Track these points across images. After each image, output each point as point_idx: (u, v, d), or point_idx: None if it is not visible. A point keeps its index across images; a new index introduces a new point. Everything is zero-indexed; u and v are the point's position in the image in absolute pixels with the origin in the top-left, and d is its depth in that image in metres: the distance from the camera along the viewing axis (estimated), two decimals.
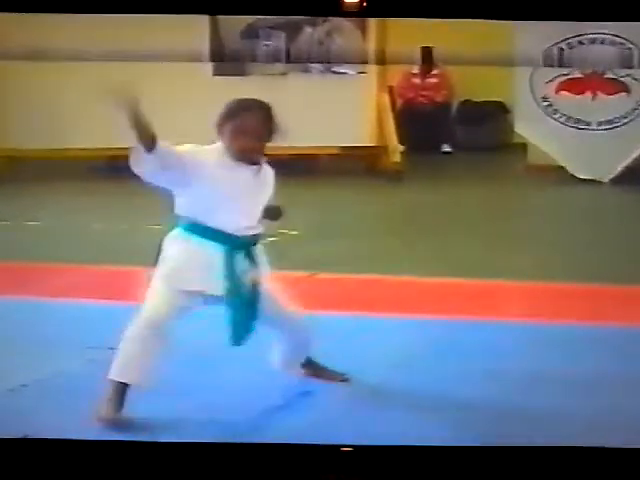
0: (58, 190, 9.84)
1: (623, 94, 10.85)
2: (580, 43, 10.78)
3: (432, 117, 13.00)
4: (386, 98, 11.33)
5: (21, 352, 4.65)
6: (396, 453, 3.63)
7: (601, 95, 10.90)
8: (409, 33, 10.45)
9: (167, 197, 4.01)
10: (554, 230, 8.30)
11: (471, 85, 12.97)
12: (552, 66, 10.80)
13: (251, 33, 10.86)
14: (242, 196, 3.98)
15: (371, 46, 10.97)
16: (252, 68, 10.99)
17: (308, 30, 10.89)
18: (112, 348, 4.01)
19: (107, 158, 10.44)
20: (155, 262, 4.01)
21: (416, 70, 13.18)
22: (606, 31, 10.62)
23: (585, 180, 10.66)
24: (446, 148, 13.03)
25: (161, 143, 3.79)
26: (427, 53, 12.92)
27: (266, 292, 4.09)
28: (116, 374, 3.92)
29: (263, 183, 4.07)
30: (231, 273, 3.95)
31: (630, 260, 6.91)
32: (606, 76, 10.87)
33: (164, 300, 3.94)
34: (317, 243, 7.55)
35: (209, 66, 10.83)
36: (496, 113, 13.09)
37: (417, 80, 13.25)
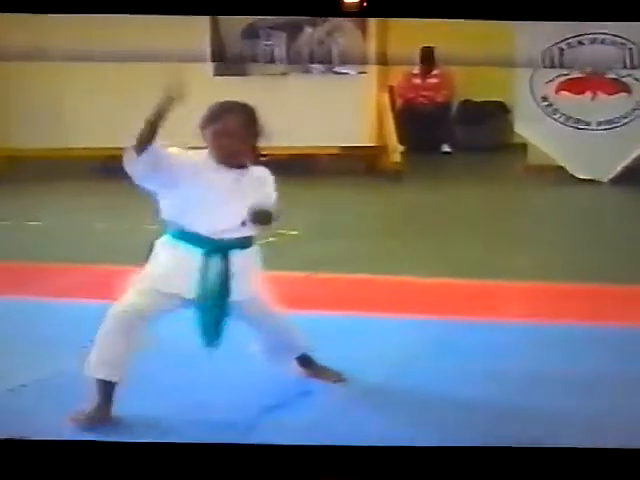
0: (59, 190, 9.85)
1: (623, 94, 10.85)
2: (580, 43, 10.78)
3: (432, 117, 13.00)
4: (386, 98, 11.33)
5: (21, 352, 4.65)
6: (395, 453, 3.63)
7: (601, 95, 10.90)
8: (410, 33, 10.47)
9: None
10: (554, 230, 8.30)
11: (471, 85, 12.97)
12: (553, 67, 10.80)
13: (252, 33, 10.86)
14: (220, 199, 3.97)
15: (372, 46, 10.97)
16: (253, 68, 10.99)
17: (308, 30, 10.89)
18: None
19: (108, 158, 10.43)
20: (146, 261, 4.05)
21: (416, 70, 13.18)
22: (606, 31, 10.62)
23: (585, 180, 10.66)
24: (446, 148, 13.03)
25: (155, 145, 3.81)
26: (428, 53, 12.92)
27: (248, 294, 4.10)
28: (91, 370, 3.94)
29: (248, 186, 4.04)
30: (203, 276, 3.96)
31: (630, 260, 6.91)
32: (606, 76, 10.86)
33: (142, 298, 3.96)
34: (317, 243, 7.55)
35: (210, 66, 10.83)
36: (496, 113, 13.09)
37: (417, 80, 13.25)
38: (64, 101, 10.59)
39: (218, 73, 10.87)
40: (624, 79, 10.83)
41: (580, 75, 10.96)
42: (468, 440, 3.79)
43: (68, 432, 3.82)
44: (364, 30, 10.91)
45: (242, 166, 4.05)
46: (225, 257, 4.00)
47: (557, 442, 3.74)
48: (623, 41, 10.65)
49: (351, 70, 11.14)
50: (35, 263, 6.59)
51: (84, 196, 9.53)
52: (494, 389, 4.35)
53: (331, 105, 10.78)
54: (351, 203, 9.66)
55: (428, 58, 12.98)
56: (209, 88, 9.90)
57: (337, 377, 4.41)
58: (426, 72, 13.17)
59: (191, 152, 4.00)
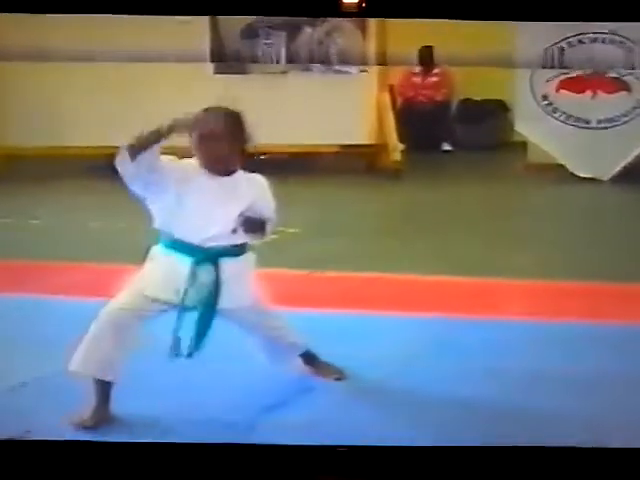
0: (57, 189, 9.84)
1: (623, 92, 10.84)
2: (580, 42, 10.77)
3: (432, 116, 13.00)
4: (386, 97, 11.32)
5: (19, 350, 4.65)
6: (394, 453, 3.63)
7: (601, 93, 10.90)
8: (409, 34, 10.45)
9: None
10: (554, 228, 8.29)
11: (471, 84, 12.96)
12: (553, 67, 10.79)
13: (251, 32, 10.86)
14: (209, 206, 3.96)
15: (371, 46, 10.96)
16: (253, 66, 10.99)
17: (308, 30, 10.88)
18: None
19: (106, 157, 10.41)
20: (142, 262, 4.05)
21: (416, 69, 13.18)
22: (607, 30, 10.61)
23: (585, 179, 10.66)
24: (446, 146, 13.03)
25: (149, 150, 3.81)
26: (428, 52, 12.91)
27: (242, 302, 4.08)
28: (77, 366, 3.95)
29: (238, 192, 4.02)
30: (192, 285, 3.96)
31: (630, 258, 6.91)
32: (606, 75, 10.86)
33: (133, 300, 3.97)
34: (317, 241, 7.55)
35: (210, 64, 10.83)
36: (496, 112, 13.09)
37: (417, 79, 13.25)
38: (62, 100, 10.58)
39: (218, 71, 10.86)
40: (624, 78, 10.83)
41: (580, 74, 10.95)
42: (468, 440, 3.78)
43: (68, 431, 3.82)
44: (364, 30, 10.91)
45: (231, 172, 4.04)
46: (216, 265, 3.99)
47: (557, 441, 3.74)
48: (623, 40, 10.64)
49: (351, 68, 11.14)
50: (33, 261, 6.59)
51: (82, 195, 9.53)
52: (495, 387, 4.34)
53: (331, 103, 10.77)
54: (351, 201, 9.66)
55: (428, 57, 12.96)
56: (209, 86, 9.97)
57: (339, 374, 4.42)
58: (426, 71, 13.17)
59: (184, 160, 3.99)
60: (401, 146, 11.05)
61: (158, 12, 4.75)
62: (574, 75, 10.96)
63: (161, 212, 3.99)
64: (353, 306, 5.54)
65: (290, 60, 10.94)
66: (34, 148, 10.52)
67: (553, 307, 5.60)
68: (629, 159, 10.77)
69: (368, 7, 4.34)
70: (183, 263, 3.97)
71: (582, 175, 10.73)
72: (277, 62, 10.93)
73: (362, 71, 11.10)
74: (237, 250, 4.06)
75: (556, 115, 11.03)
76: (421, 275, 6.37)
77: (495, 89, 12.62)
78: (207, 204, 3.96)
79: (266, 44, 10.88)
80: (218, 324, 4.05)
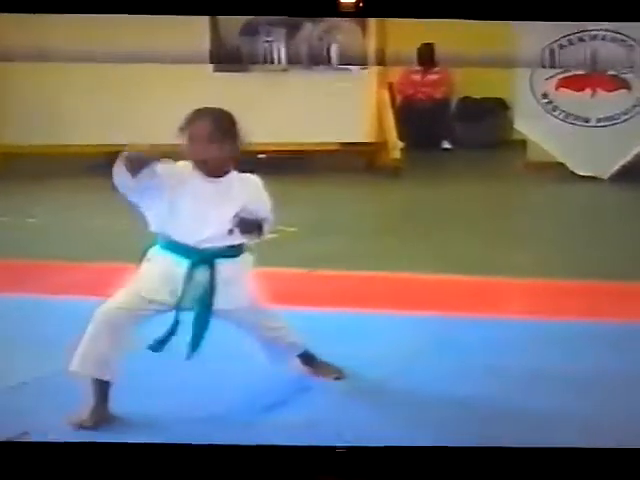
0: (55, 187, 9.83)
1: (623, 90, 10.83)
2: (581, 40, 10.76)
3: (431, 114, 12.99)
4: (386, 94, 11.32)
5: (18, 350, 4.64)
6: (394, 453, 3.63)
7: (601, 92, 10.89)
8: (409, 32, 10.44)
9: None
10: (554, 227, 8.29)
11: (471, 82, 12.96)
12: (553, 64, 10.78)
13: (251, 30, 10.85)
14: (203, 208, 3.95)
15: (371, 44, 10.95)
16: (253, 64, 10.98)
17: (308, 27, 10.87)
18: None
19: (105, 155, 10.41)
20: (139, 264, 4.05)
21: (416, 67, 13.17)
22: (607, 28, 10.60)
23: (585, 177, 10.65)
24: (446, 145, 13.02)
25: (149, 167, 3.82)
26: (428, 50, 12.90)
27: (239, 303, 4.08)
28: (76, 366, 3.95)
29: (230, 194, 4.00)
30: (188, 286, 3.96)
31: (630, 257, 6.90)
32: (606, 73, 10.85)
33: (129, 300, 3.97)
34: (316, 240, 7.54)
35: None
36: (496, 110, 13.08)
37: (417, 76, 13.24)
38: (61, 98, 10.57)
39: (218, 69, 10.85)
40: (624, 76, 10.82)
41: (580, 72, 10.94)
42: (468, 440, 3.78)
43: (67, 431, 3.82)
44: (364, 29, 10.90)
45: (224, 173, 4.03)
46: (212, 267, 3.98)
47: (558, 441, 3.74)
48: (624, 38, 10.63)
49: (351, 66, 11.13)
50: (32, 260, 6.58)
51: (79, 193, 9.51)
52: (494, 386, 4.34)
53: (331, 101, 10.76)
54: (350, 200, 9.66)
55: (428, 55, 12.95)
56: (209, 84, 9.97)
57: (338, 374, 4.41)
58: (426, 69, 13.16)
59: (178, 163, 3.98)
60: (400, 144, 11.04)
61: (157, 12, 4.75)
62: (574, 73, 10.95)
63: (156, 217, 3.99)
64: (352, 305, 5.54)
65: (290, 57, 10.93)
66: (32, 146, 10.51)
67: (553, 306, 5.60)
68: (629, 157, 10.76)
69: (365, 7, 4.34)
70: (180, 264, 3.97)
71: (582, 173, 10.72)
72: (277, 59, 10.93)
73: (362, 69, 11.09)
74: (233, 251, 4.05)
75: (556, 113, 11.03)
76: (420, 274, 6.37)
77: (495, 87, 12.61)
78: (201, 206, 3.95)
79: (266, 41, 10.87)
80: (215, 324, 4.04)
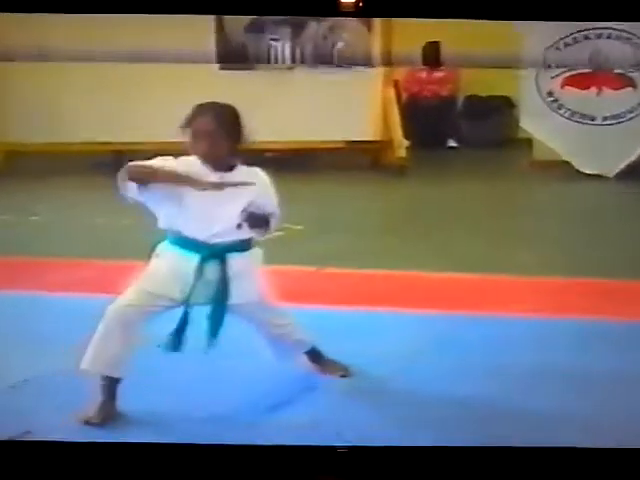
0: (57, 185, 9.83)
1: (629, 89, 10.83)
2: (586, 38, 10.76)
3: (437, 112, 12.98)
4: (392, 92, 11.31)
5: (19, 347, 4.65)
6: (394, 453, 3.63)
7: (606, 90, 10.88)
8: (415, 31, 10.43)
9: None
10: (559, 226, 8.29)
11: (476, 80, 12.95)
12: (558, 63, 10.77)
13: (257, 28, 10.85)
14: (210, 203, 3.95)
15: (377, 42, 10.95)
16: (258, 62, 10.98)
17: (313, 26, 10.87)
18: None
19: (107, 153, 10.43)
20: (148, 260, 4.06)
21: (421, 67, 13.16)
22: (612, 26, 10.59)
23: (590, 176, 10.64)
24: (451, 143, 13.02)
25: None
26: (433, 49, 12.88)
27: (249, 297, 4.09)
28: (87, 365, 3.96)
29: (238, 188, 3.97)
30: (199, 281, 3.97)
31: (634, 256, 6.90)
32: (612, 71, 10.84)
33: (139, 297, 3.98)
34: (321, 238, 7.55)
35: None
36: (501, 108, 13.07)
37: (422, 74, 13.22)
38: (63, 96, 10.58)
39: (224, 68, 10.85)
40: (630, 74, 10.81)
41: (585, 70, 10.93)
42: (470, 439, 3.78)
43: (70, 430, 3.83)
44: (369, 28, 10.89)
45: (231, 167, 4.04)
46: (222, 261, 3.99)
47: (559, 441, 3.74)
48: (629, 36, 10.63)
49: (357, 65, 11.13)
50: (34, 258, 6.59)
51: (82, 191, 9.50)
52: (498, 384, 4.34)
53: (336, 99, 10.76)
54: (356, 198, 9.66)
55: (434, 53, 12.93)
56: (215, 83, 9.97)
57: (344, 371, 4.43)
58: (431, 66, 13.15)
59: (184, 159, 3.99)
60: (406, 142, 11.04)
61: (159, 11, 4.76)
62: (579, 72, 10.94)
63: (165, 215, 4.00)
64: (356, 303, 5.54)
65: (295, 56, 10.93)
66: (35, 144, 10.52)
67: (557, 304, 5.60)
68: (635, 156, 10.75)
69: (365, 7, 4.35)
70: (190, 260, 3.98)
71: (587, 172, 10.72)
72: (283, 58, 10.93)
73: (367, 67, 11.08)
74: (243, 245, 4.07)
75: (561, 112, 11.02)
76: (425, 272, 6.37)
77: (500, 85, 12.61)
78: (210, 201, 3.96)
79: (272, 39, 10.88)
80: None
